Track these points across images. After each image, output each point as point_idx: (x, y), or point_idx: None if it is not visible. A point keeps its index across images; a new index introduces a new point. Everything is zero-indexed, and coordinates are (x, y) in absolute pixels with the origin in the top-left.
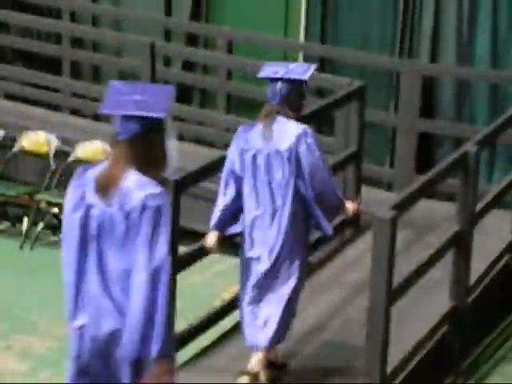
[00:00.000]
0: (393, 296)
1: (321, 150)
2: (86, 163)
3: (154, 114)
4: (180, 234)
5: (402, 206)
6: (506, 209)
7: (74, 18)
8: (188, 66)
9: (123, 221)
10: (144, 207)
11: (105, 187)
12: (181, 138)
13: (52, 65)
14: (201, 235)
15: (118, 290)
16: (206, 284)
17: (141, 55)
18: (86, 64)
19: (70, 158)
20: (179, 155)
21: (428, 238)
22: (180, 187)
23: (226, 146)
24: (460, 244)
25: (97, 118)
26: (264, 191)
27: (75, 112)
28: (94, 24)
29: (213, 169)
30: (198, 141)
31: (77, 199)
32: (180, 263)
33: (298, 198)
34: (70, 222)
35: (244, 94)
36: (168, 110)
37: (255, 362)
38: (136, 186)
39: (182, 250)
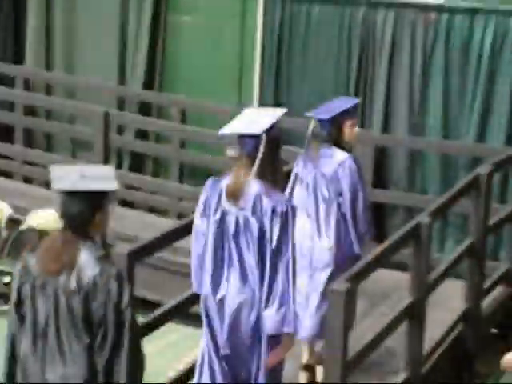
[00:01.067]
0: (348, 367)
1: (361, 177)
2: (39, 232)
3: (256, 132)
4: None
5: (358, 278)
6: (458, 278)
7: (27, 85)
8: (141, 134)
9: (256, 222)
10: (274, 211)
11: (234, 194)
12: (134, 206)
13: (5, 132)
14: (154, 304)
15: (253, 278)
16: (159, 354)
17: (94, 124)
18: (39, 132)
19: (22, 227)
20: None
21: (380, 307)
22: (134, 258)
23: (180, 214)
24: (413, 315)
25: (49, 185)
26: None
27: (28, 180)
28: (48, 92)
29: (168, 239)
30: (151, 209)
31: (214, 204)
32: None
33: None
34: (204, 223)
35: (197, 162)
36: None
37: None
38: (263, 193)
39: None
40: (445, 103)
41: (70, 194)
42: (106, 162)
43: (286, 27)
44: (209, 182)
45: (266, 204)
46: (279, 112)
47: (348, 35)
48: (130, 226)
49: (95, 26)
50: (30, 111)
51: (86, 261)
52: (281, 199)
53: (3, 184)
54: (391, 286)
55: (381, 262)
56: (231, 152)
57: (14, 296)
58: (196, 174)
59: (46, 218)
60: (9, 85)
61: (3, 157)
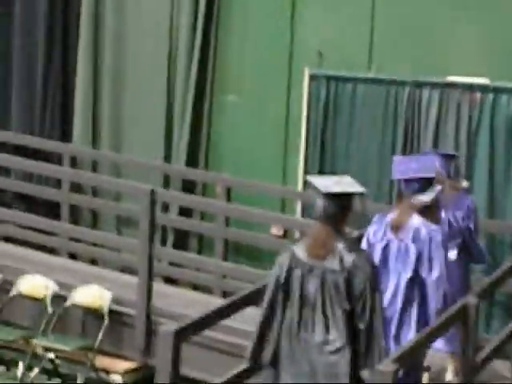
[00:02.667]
0: None
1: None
2: (83, 308)
3: (427, 175)
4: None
5: (405, 358)
6: (506, 359)
7: (74, 162)
8: (185, 211)
9: (415, 250)
10: (430, 239)
11: (398, 227)
12: (178, 283)
13: (51, 208)
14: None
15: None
16: None
17: (140, 201)
18: (85, 208)
19: (67, 303)
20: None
21: None
22: (180, 336)
23: (224, 292)
24: None
25: (94, 262)
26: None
27: (73, 256)
28: (94, 169)
29: (214, 317)
30: (195, 287)
31: (381, 235)
32: None
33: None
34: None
35: (242, 240)
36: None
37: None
38: (422, 225)
39: None
40: (490, 182)
41: (330, 197)
42: (151, 239)
43: (331, 105)
44: (376, 216)
45: (424, 234)
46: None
47: (393, 113)
48: (174, 303)
49: (142, 104)
50: (77, 188)
51: (342, 248)
52: (436, 229)
53: (49, 260)
54: (437, 366)
55: (429, 342)
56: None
57: (280, 279)
58: (240, 252)
59: (90, 294)
60: (56, 162)
61: (49, 233)
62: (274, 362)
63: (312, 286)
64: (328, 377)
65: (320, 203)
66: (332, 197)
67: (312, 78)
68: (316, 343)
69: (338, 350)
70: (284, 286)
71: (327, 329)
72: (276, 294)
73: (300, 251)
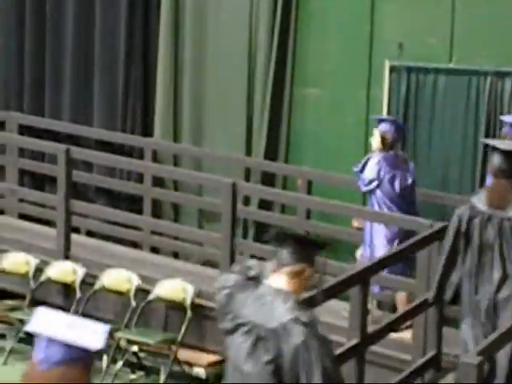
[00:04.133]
0: None
1: None
2: (166, 302)
3: None
4: None
5: (490, 351)
6: None
7: (156, 156)
8: (266, 204)
9: None
10: None
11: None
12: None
13: (134, 202)
14: None
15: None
16: None
17: (222, 195)
18: (167, 202)
19: (150, 297)
20: None
21: None
22: None
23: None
24: None
25: (176, 256)
26: None
27: (155, 250)
28: (176, 163)
29: None
30: None
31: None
32: None
33: None
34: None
35: (323, 233)
36: None
37: None
38: None
39: None
40: None
41: (506, 154)
42: (232, 232)
43: (412, 97)
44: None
45: None
46: None
47: (475, 104)
48: None
49: (222, 98)
50: (159, 182)
51: None
52: None
53: (131, 254)
54: None
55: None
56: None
57: (461, 228)
58: None
59: (173, 288)
60: (138, 157)
61: (132, 227)
62: (455, 300)
63: (491, 232)
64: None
65: (496, 160)
66: (508, 153)
67: (392, 69)
68: (495, 280)
69: None
70: (465, 234)
71: (504, 268)
72: (456, 242)
73: (479, 203)
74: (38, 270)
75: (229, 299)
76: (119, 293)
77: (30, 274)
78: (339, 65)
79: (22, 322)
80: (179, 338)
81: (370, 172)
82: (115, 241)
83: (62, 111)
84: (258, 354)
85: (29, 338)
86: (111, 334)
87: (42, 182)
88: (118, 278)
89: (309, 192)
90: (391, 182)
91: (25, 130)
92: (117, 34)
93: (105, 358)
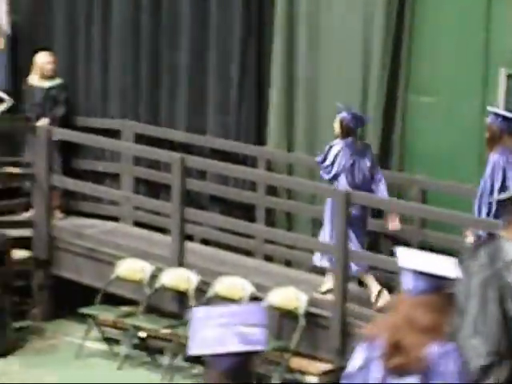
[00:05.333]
0: None
1: None
2: (279, 310)
3: None
4: None
5: None
6: None
7: (269, 165)
8: (379, 213)
9: None
10: None
11: None
12: None
13: (247, 210)
14: None
15: None
16: None
17: (334, 203)
18: (280, 211)
19: (263, 305)
20: None
21: None
22: None
23: None
24: None
25: (289, 264)
26: None
27: (268, 258)
28: (289, 172)
29: None
30: (390, 289)
31: None
32: None
33: None
34: None
35: (437, 243)
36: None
37: None
38: None
39: None
40: None
41: None
42: (345, 241)
43: None
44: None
45: None
46: None
47: None
48: (370, 305)
49: (336, 107)
50: (272, 191)
51: None
52: None
53: (245, 262)
54: None
55: None
56: None
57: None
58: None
59: (286, 296)
60: (251, 165)
61: (245, 235)
62: None
63: None
64: None
65: None
66: None
67: (509, 77)
68: None
69: None
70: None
71: None
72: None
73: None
74: (153, 277)
75: None
76: (232, 300)
77: (145, 281)
78: (453, 72)
79: (137, 328)
80: (292, 345)
81: (332, 159)
82: (228, 249)
83: (177, 120)
84: None
85: (142, 344)
86: None
87: (156, 190)
88: (232, 286)
89: (423, 201)
90: (351, 168)
91: (140, 138)
92: (231, 43)
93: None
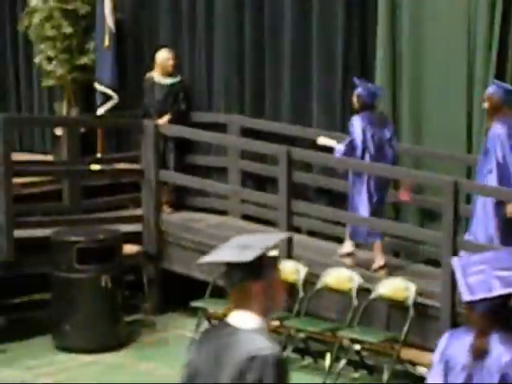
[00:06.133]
0: None
1: None
2: (387, 301)
3: None
4: None
5: None
6: None
7: None
8: None
9: None
10: None
11: None
12: None
13: None
14: None
15: None
16: None
17: (443, 193)
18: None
19: (372, 296)
20: None
21: None
22: None
23: None
24: None
25: (397, 254)
26: None
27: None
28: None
29: None
30: None
31: None
32: None
33: None
34: None
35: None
36: None
37: None
38: None
39: None
40: None
41: None
42: (455, 231)
43: None
44: None
45: None
46: None
47: None
48: None
49: (440, 95)
50: None
51: None
52: None
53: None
54: None
55: None
56: None
57: None
58: None
59: (394, 287)
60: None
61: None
62: None
63: None
64: None
65: None
66: None
67: None
68: None
69: None
70: None
71: None
72: None
73: None
74: None
75: None
76: (341, 292)
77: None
78: None
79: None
80: (402, 336)
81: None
82: (336, 240)
83: (282, 112)
84: None
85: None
86: (334, 333)
87: (263, 183)
88: (340, 277)
89: None
90: (372, 140)
91: (246, 131)
92: (334, 33)
93: (328, 356)
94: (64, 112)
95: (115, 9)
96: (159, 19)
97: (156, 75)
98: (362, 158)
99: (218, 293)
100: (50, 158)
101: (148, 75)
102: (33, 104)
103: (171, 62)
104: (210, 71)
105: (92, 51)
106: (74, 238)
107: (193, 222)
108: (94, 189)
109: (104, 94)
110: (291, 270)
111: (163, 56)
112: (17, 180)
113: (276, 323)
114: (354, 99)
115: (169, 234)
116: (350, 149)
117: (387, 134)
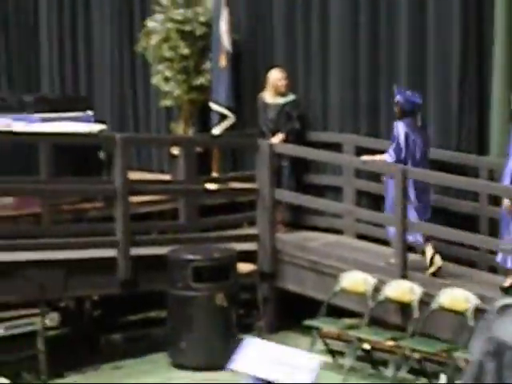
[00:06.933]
0: None
1: None
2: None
3: None
4: None
5: None
6: None
7: (491, 175)
8: None
9: None
10: None
11: None
12: None
13: (470, 221)
14: None
15: None
16: None
17: None
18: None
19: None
20: None
21: None
22: None
23: None
24: None
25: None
26: None
27: (493, 270)
28: None
29: None
30: None
31: None
32: None
33: None
34: None
35: None
36: None
37: None
38: None
39: None
40: None
41: None
42: None
43: None
44: None
45: None
46: None
47: None
48: None
49: None
50: (494, 201)
51: None
52: None
53: (470, 273)
54: None
55: None
56: None
57: None
58: None
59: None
60: (473, 175)
61: (471, 246)
62: None
63: None
64: None
65: None
66: None
67: None
68: None
69: None
70: None
71: None
72: None
73: None
74: (376, 289)
75: None
76: (456, 312)
77: (368, 293)
78: None
79: (361, 340)
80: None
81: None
82: (451, 260)
83: None
84: None
85: (366, 356)
86: (449, 354)
87: (378, 202)
88: (455, 298)
89: None
90: (413, 146)
91: (361, 150)
92: (450, 46)
93: (443, 377)
94: (181, 132)
95: (231, 29)
96: (274, 39)
97: (268, 95)
98: (405, 162)
99: (332, 312)
100: (166, 177)
101: (260, 95)
102: (150, 124)
103: (283, 82)
104: (324, 91)
105: (208, 71)
106: (190, 257)
107: (308, 241)
108: (209, 207)
109: (220, 113)
110: (405, 290)
111: (275, 76)
112: (134, 198)
113: (391, 343)
114: (395, 108)
115: (284, 252)
116: (398, 155)
117: (425, 140)
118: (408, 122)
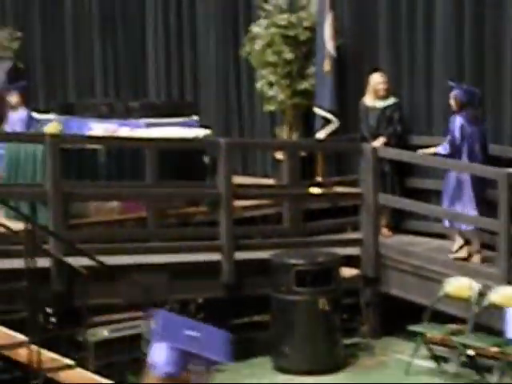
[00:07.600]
0: None
1: None
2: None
3: None
4: None
5: None
6: None
7: None
8: None
9: None
10: None
11: None
12: None
13: None
14: None
15: None
16: None
17: None
18: None
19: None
20: None
21: None
22: None
23: None
24: None
25: None
26: None
27: None
28: None
29: None
30: None
31: None
32: None
33: None
34: None
35: None
36: None
37: None
38: None
39: None
40: None
41: None
42: None
43: None
44: None
45: None
46: None
47: None
48: None
49: None
50: None
51: None
52: None
53: None
54: None
55: None
56: None
57: None
58: None
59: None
60: None
61: None
62: None
63: None
64: None
65: None
66: None
67: None
68: None
69: None
70: None
71: None
72: None
73: None
74: (481, 295)
75: None
76: None
77: (473, 299)
78: None
79: (465, 346)
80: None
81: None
82: None
83: (503, 135)
84: None
85: (471, 362)
86: (501, 349)
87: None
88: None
89: None
90: (470, 140)
91: None
92: None
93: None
94: (285, 136)
95: (336, 34)
96: (378, 44)
97: (369, 99)
98: (460, 156)
99: (437, 317)
100: (271, 181)
101: (362, 99)
102: (254, 128)
103: (383, 86)
104: (428, 95)
105: (312, 76)
106: (293, 261)
107: (412, 246)
108: (313, 212)
109: (324, 118)
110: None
111: (375, 80)
112: (238, 203)
113: (495, 349)
114: (452, 101)
115: (387, 257)
116: (453, 147)
117: (483, 133)
118: (464, 115)
